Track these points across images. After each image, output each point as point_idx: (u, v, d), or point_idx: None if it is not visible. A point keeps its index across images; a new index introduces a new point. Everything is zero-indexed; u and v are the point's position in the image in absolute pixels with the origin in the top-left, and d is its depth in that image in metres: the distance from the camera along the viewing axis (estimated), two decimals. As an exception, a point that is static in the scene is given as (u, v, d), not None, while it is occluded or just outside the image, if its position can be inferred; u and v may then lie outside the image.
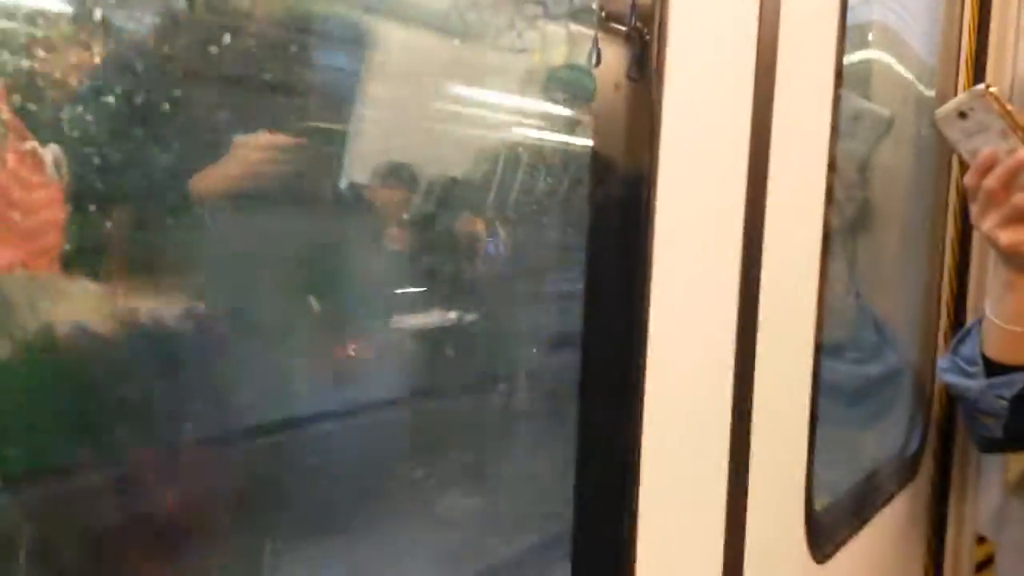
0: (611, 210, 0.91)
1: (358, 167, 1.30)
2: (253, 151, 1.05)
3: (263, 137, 1.07)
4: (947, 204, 1.87)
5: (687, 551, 1.00)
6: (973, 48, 1.87)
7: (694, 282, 0.95)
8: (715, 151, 0.96)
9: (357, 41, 1.29)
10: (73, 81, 0.83)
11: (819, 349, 1.19)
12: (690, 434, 0.98)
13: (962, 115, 1.22)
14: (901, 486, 1.71)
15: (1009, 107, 1.20)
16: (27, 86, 0.78)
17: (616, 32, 0.86)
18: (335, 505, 1.20)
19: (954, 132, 1.24)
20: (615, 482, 0.91)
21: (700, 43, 0.91)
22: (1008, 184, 1.20)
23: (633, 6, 0.84)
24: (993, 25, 1.90)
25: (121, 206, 0.91)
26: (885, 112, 1.80)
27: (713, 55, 0.94)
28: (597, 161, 0.92)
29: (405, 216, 1.41)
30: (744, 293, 1.01)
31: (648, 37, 0.84)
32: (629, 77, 0.86)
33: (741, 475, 1.04)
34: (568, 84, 1.34)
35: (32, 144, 0.80)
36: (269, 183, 1.06)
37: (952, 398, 1.77)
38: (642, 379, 0.88)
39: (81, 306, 0.89)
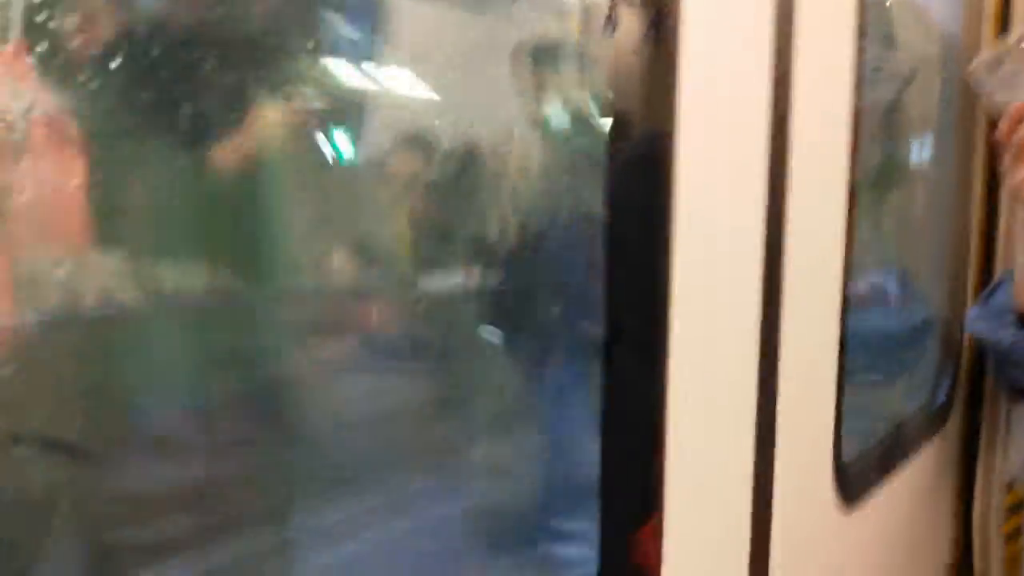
0: (632, 173, 0.92)
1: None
2: (271, 122, 1.07)
3: (280, 107, 1.08)
4: (975, 155, 1.86)
5: (715, 497, 1.03)
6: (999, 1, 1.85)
7: (718, 238, 0.97)
8: (736, 109, 0.98)
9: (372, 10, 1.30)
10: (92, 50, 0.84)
11: (846, 299, 1.21)
12: (717, 383, 1.00)
13: (997, 65, 1.21)
14: (930, 435, 1.73)
15: None
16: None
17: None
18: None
19: (988, 83, 1.24)
20: (642, 431, 0.93)
21: (717, 2, 0.92)
22: None
23: None
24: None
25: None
26: (908, 61, 1.79)
27: (731, 11, 0.95)
28: (617, 126, 0.93)
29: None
30: (769, 245, 1.03)
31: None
32: (646, 40, 0.87)
33: (769, 423, 1.06)
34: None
35: (61, 116, 0.81)
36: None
37: (982, 348, 1.78)
38: (667, 333, 0.90)
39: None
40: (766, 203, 1.01)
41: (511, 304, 1.51)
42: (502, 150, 1.50)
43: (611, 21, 0.87)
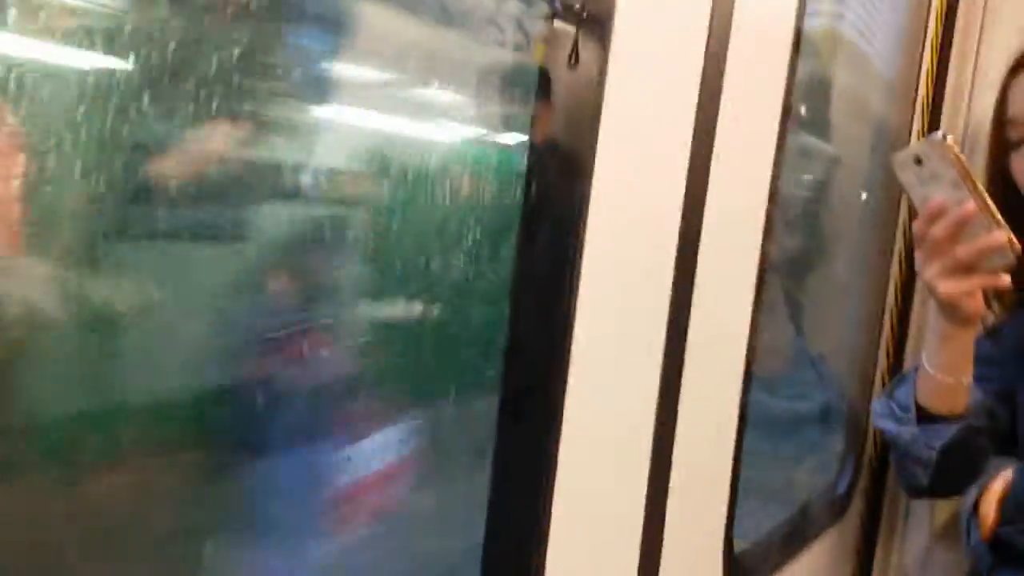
0: (544, 215, 0.88)
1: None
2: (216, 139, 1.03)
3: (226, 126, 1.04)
4: (893, 247, 1.88)
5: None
6: (930, 94, 1.88)
7: (622, 302, 0.93)
8: (656, 160, 0.94)
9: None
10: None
11: (747, 387, 1.17)
12: (608, 465, 0.95)
13: (918, 161, 1.22)
14: (829, 524, 1.70)
15: (963, 158, 1.20)
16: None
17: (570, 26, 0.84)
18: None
19: (908, 177, 1.24)
20: (528, 507, 0.87)
21: (647, 46, 0.89)
22: (954, 235, 1.21)
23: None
24: (951, 74, 1.92)
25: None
26: (830, 150, 1.80)
27: (659, 62, 0.92)
28: (535, 161, 0.89)
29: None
30: (673, 319, 0.98)
31: (604, 35, 0.82)
32: (570, 67, 0.83)
33: (658, 510, 1.01)
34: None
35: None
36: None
37: (885, 440, 1.77)
38: (563, 399, 0.85)
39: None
40: (674, 270, 0.97)
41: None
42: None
43: (574, 54, 0.84)
